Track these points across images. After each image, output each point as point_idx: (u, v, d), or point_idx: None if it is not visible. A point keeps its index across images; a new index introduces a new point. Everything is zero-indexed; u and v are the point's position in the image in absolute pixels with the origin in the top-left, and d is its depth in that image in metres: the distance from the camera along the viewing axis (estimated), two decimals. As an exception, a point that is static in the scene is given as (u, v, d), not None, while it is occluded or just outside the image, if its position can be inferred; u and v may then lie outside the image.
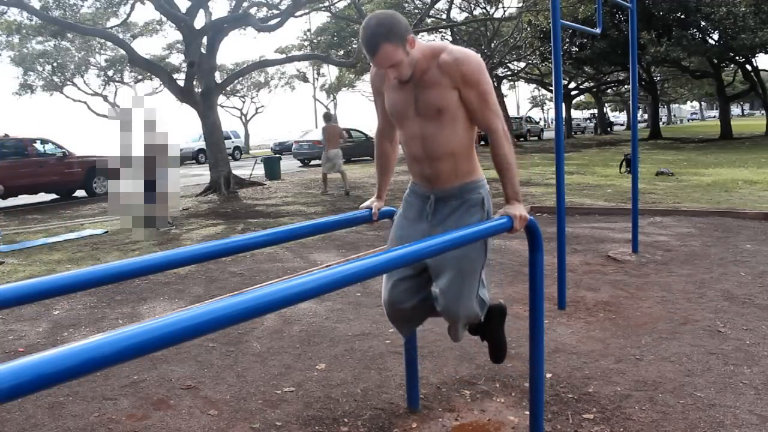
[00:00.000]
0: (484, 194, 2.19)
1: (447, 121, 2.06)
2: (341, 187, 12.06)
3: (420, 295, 2.27)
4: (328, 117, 12.45)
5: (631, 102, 5.61)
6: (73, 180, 14.05)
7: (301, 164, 22.89)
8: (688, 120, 77.74)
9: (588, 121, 47.74)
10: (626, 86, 37.43)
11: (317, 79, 42.78)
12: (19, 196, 13.26)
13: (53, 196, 14.41)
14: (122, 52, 19.26)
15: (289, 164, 21.50)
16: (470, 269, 2.14)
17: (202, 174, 17.87)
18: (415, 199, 2.27)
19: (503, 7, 28.91)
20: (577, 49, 25.28)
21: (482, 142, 28.66)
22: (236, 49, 78.40)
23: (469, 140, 2.15)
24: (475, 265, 2.15)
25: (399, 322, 2.39)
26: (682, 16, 21.94)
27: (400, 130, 2.21)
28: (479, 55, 2.16)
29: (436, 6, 24.12)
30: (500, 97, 32.80)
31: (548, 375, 2.95)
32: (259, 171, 16.81)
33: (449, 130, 2.07)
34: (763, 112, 31.30)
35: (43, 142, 13.91)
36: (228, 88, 32.02)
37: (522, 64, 34.06)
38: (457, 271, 2.13)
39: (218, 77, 18.26)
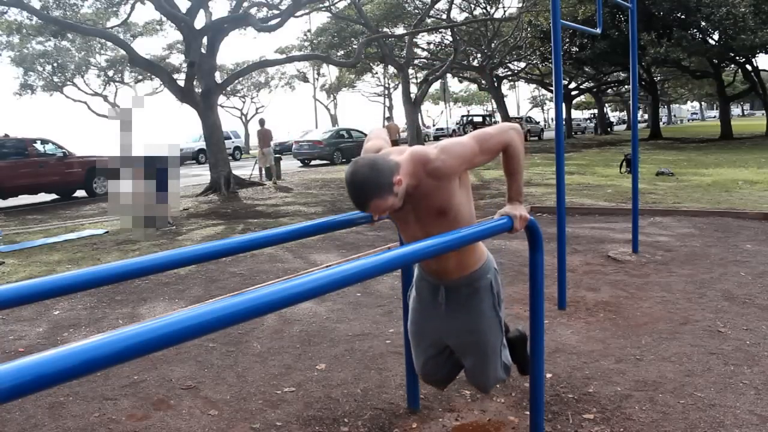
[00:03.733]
0: (492, 277, 2.20)
1: (449, 220, 2.01)
2: (274, 181, 14.74)
3: (449, 364, 2.36)
4: (262, 122, 15.72)
5: (631, 102, 5.61)
6: (73, 180, 14.04)
7: (301, 164, 22.90)
8: (689, 120, 77.71)
9: (588, 121, 47.74)
10: (626, 86, 37.41)
11: (317, 79, 42.85)
12: (19, 196, 13.27)
13: (53, 196, 14.40)
14: (122, 52, 19.26)
15: (289, 164, 21.51)
16: (491, 350, 2.22)
17: (202, 174, 17.86)
18: (426, 286, 2.28)
19: (503, 7, 28.94)
20: (577, 50, 25.27)
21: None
22: (236, 49, 78.28)
23: None
24: (495, 345, 2.22)
25: (435, 384, 2.51)
26: (682, 17, 21.92)
27: (402, 231, 2.19)
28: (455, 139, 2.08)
29: (436, 6, 24.10)
30: (500, 97, 32.80)
31: (548, 375, 2.95)
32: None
33: (452, 228, 2.00)
34: (764, 112, 31.29)
35: (44, 142, 13.90)
36: (228, 89, 32.02)
37: (522, 64, 34.06)
38: (480, 355, 2.21)
39: (218, 77, 18.25)
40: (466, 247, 2.12)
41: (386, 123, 19.23)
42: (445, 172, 1.94)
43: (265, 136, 15.34)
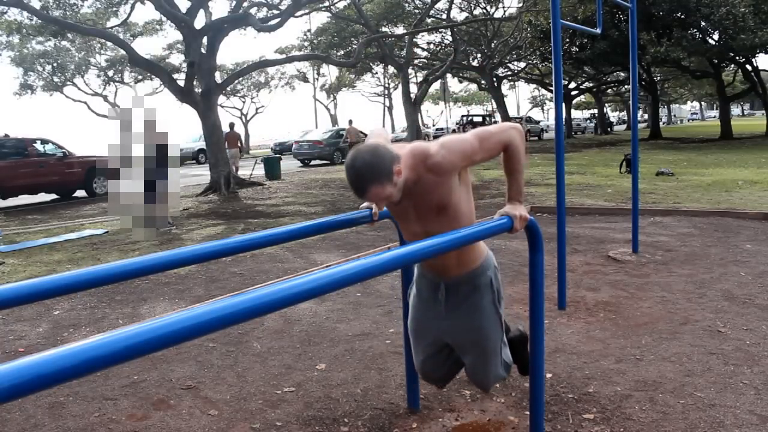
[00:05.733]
0: (492, 274, 2.21)
1: (449, 217, 2.02)
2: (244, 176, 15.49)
3: (449, 362, 2.37)
4: (231, 126, 16.83)
5: (631, 102, 5.61)
6: (73, 180, 14.04)
7: (301, 164, 22.90)
8: (689, 120, 77.65)
9: (588, 121, 47.71)
10: (626, 86, 37.40)
11: (317, 79, 42.79)
12: (19, 196, 13.27)
13: (53, 196, 14.40)
14: (122, 52, 19.27)
15: (289, 164, 21.51)
16: (492, 347, 2.21)
17: (202, 174, 17.86)
18: (426, 284, 2.28)
19: (503, 7, 28.94)
20: (577, 49, 25.24)
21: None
22: (236, 49, 78.37)
23: None
24: (495, 343, 2.22)
25: (434, 383, 2.52)
26: (682, 17, 21.90)
27: (402, 228, 2.20)
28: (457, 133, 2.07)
29: (436, 6, 24.13)
30: (500, 97, 32.80)
31: (548, 375, 2.95)
32: (260, 171, 16.82)
33: (452, 225, 2.00)
34: (764, 112, 31.28)
35: (44, 142, 13.90)
36: (228, 88, 32.00)
37: (522, 64, 34.06)
38: (480, 352, 2.22)
39: (218, 77, 18.26)
40: (467, 245, 2.12)
41: (348, 126, 21.19)
42: (445, 168, 1.94)
43: (232, 138, 16.26)
